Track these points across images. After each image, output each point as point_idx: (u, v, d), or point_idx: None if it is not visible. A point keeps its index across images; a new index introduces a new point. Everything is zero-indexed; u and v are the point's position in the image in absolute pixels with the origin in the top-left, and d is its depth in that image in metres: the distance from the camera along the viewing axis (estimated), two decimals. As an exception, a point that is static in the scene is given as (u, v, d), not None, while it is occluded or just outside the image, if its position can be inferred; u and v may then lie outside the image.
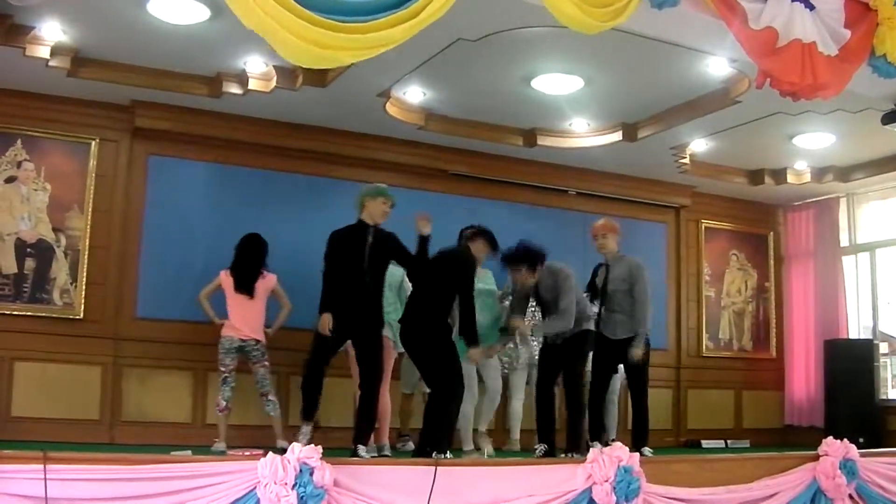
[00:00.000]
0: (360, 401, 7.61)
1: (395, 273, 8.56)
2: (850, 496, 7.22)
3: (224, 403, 8.77)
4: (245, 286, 8.90)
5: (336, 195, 10.49)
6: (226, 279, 8.95)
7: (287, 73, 9.06)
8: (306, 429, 7.58)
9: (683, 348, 12.65)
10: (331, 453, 5.15)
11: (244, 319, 8.86)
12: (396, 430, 9.35)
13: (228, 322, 8.88)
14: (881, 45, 7.82)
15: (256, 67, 9.05)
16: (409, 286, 8.58)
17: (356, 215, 7.95)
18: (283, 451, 8.37)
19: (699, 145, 11.15)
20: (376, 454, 8.13)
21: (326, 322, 7.58)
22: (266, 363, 8.96)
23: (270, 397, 8.91)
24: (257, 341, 8.91)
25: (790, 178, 12.27)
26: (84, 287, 9.46)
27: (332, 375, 10.06)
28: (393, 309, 8.49)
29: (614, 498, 5.91)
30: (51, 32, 8.31)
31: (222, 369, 8.82)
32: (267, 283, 9.05)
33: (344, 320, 7.62)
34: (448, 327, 7.55)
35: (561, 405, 8.21)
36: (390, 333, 8.51)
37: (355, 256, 7.74)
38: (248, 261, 8.98)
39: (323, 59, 5.84)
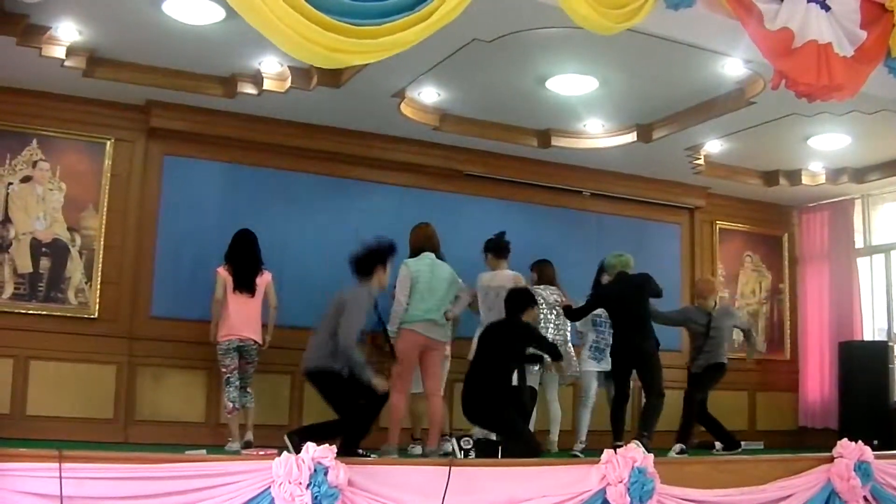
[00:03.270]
0: None
1: (444, 271, 8.64)
2: (865, 498, 7.20)
3: (231, 405, 8.74)
4: (247, 285, 8.85)
5: (350, 195, 10.56)
6: (227, 277, 8.88)
7: (302, 74, 9.07)
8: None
9: (697, 349, 12.62)
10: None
11: (244, 319, 8.82)
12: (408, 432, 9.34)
13: (226, 321, 8.82)
14: (897, 46, 7.81)
15: (271, 68, 9.07)
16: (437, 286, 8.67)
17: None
18: (248, 444, 8.48)
19: (714, 146, 11.12)
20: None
21: None
22: (256, 362, 8.98)
23: (249, 390, 8.89)
24: (255, 342, 8.89)
25: (805, 180, 12.24)
26: (99, 286, 9.50)
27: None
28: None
29: (628, 499, 5.91)
30: (66, 33, 8.33)
31: (224, 370, 8.80)
32: (266, 278, 9.01)
33: None
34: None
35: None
36: (440, 335, 8.57)
37: None
38: (248, 258, 8.93)
39: (335, 61, 5.85)
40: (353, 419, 7.28)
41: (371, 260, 7.75)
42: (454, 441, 7.58)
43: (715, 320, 10.11)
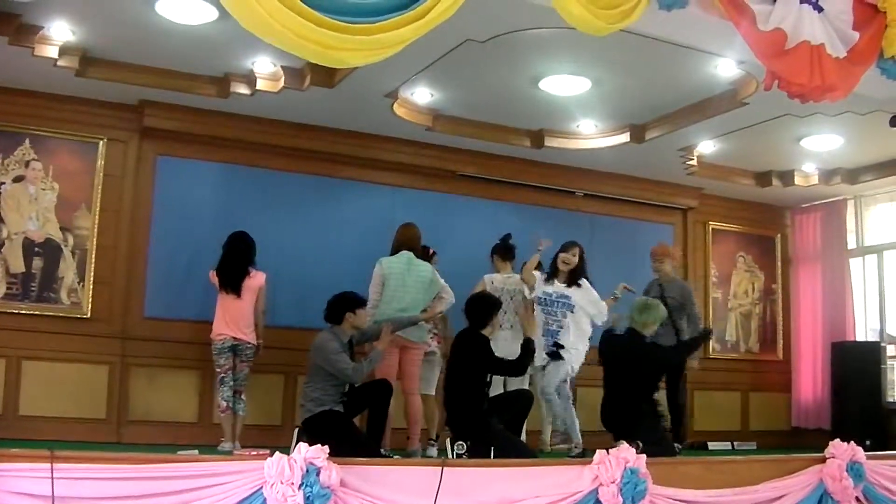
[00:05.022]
0: None
1: (422, 271, 8.64)
2: (857, 499, 7.18)
3: (224, 404, 8.73)
4: (232, 285, 8.81)
5: (343, 196, 10.56)
6: (214, 278, 8.89)
7: (295, 74, 9.08)
8: None
9: (690, 350, 12.63)
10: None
11: (233, 319, 8.78)
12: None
13: (217, 321, 8.81)
14: (890, 47, 7.79)
15: (264, 68, 9.07)
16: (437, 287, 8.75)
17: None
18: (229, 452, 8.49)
19: (707, 147, 11.14)
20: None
21: None
22: (251, 363, 8.94)
23: (243, 396, 8.85)
24: (249, 342, 8.86)
25: (798, 181, 12.26)
26: (91, 286, 9.49)
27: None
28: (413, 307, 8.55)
29: (621, 499, 5.89)
30: (59, 32, 8.33)
31: (218, 370, 8.79)
32: (255, 281, 8.93)
33: None
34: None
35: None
36: (416, 335, 8.57)
37: None
38: (235, 259, 8.89)
39: (329, 59, 5.83)
40: (363, 441, 7.56)
41: (340, 308, 7.95)
42: (448, 443, 7.58)
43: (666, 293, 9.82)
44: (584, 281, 9.11)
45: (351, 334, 8.00)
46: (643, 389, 8.27)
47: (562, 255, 9.11)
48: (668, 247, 10.38)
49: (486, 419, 7.52)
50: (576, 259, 9.09)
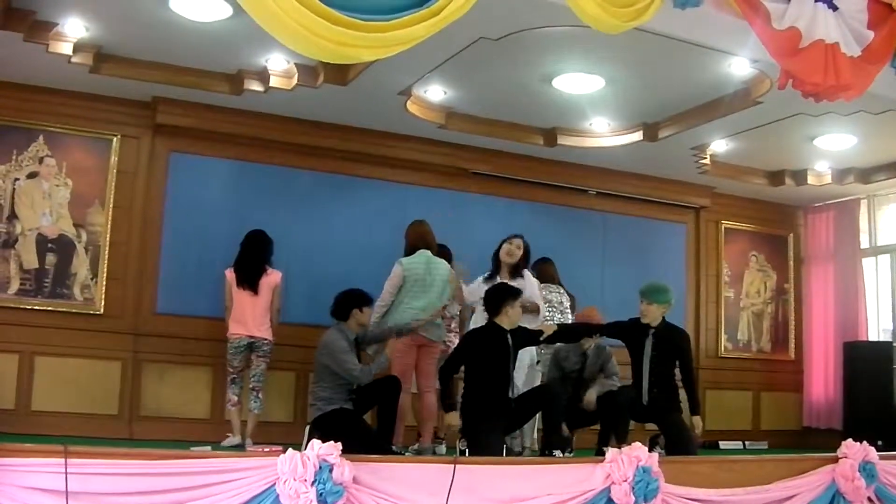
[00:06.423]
0: None
1: (441, 269, 8.59)
2: (869, 499, 7.18)
3: (235, 399, 8.80)
4: (248, 282, 8.83)
5: (357, 193, 10.56)
6: (230, 276, 8.91)
7: (308, 71, 9.08)
8: None
9: (702, 349, 12.61)
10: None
11: (249, 316, 8.81)
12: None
13: (234, 319, 8.83)
14: (904, 46, 7.79)
15: (278, 65, 9.07)
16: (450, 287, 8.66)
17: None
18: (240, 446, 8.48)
19: (720, 146, 11.12)
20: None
21: None
22: (268, 360, 8.95)
23: (260, 395, 8.86)
24: (266, 339, 8.88)
25: (811, 180, 12.23)
26: (104, 282, 9.51)
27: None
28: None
29: (633, 498, 5.90)
30: (73, 29, 8.34)
31: (230, 370, 8.85)
32: (271, 279, 8.95)
33: None
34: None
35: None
36: (436, 334, 8.54)
37: None
38: (251, 257, 8.92)
39: (342, 56, 5.84)
40: (373, 439, 7.55)
41: (347, 304, 8.00)
42: (457, 443, 7.56)
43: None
44: (526, 273, 8.83)
45: (357, 332, 8.02)
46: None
47: (505, 247, 8.75)
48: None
49: (473, 416, 7.48)
50: (520, 251, 8.76)
